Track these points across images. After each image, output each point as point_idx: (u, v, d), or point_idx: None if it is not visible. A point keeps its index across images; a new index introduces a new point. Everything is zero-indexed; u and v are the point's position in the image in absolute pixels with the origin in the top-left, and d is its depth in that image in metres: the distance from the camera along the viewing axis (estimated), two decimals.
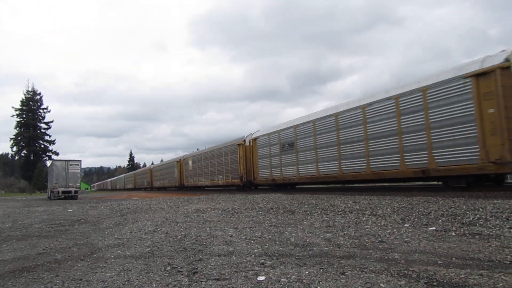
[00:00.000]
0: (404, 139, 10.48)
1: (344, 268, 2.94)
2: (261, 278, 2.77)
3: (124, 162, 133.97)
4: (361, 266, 3.00)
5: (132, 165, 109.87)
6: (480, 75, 8.58)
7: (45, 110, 62.24)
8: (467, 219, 4.94)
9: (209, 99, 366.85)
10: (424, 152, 9.90)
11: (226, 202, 10.21)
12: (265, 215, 6.95)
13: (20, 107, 60.11)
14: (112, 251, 4.15)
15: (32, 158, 60.56)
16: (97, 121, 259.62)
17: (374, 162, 11.55)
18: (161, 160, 74.79)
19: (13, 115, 59.69)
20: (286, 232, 4.81)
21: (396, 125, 10.74)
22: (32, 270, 3.47)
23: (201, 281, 2.77)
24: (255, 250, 3.79)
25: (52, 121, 63.27)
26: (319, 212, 6.81)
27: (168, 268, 3.22)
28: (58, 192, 22.55)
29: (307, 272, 2.87)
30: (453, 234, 4.25)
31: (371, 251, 3.56)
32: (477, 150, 8.63)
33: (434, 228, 4.64)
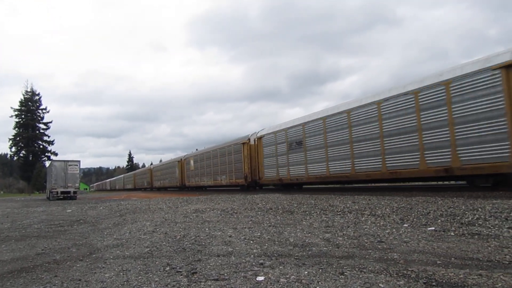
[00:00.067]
0: (424, 136, 9.90)
1: (343, 268, 2.94)
2: (260, 278, 2.77)
3: (123, 163, 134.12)
4: (360, 266, 3.00)
5: (131, 165, 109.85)
6: (510, 66, 8.07)
7: (44, 111, 62.32)
8: (466, 219, 4.94)
9: (208, 100, 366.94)
10: (447, 150, 9.31)
11: (225, 203, 10.20)
12: (264, 215, 6.95)
13: (19, 108, 60.13)
14: (111, 252, 4.14)
15: (31, 158, 60.53)
16: (96, 121, 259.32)
17: (391, 160, 10.97)
18: (160, 161, 74.82)
19: (11, 116, 59.77)
20: (285, 232, 4.81)
21: (415, 121, 10.16)
22: (31, 270, 3.46)
23: (200, 282, 2.77)
24: (254, 251, 3.79)
25: (51, 122, 63.36)
26: (318, 212, 6.81)
27: (167, 268, 3.22)
28: (57, 192, 22.51)
29: (306, 272, 2.87)
30: (452, 234, 4.26)
31: (370, 251, 3.56)
32: (508, 146, 8.10)
33: (433, 228, 4.65)
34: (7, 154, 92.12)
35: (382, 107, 11.34)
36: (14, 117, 59.81)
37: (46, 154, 61.67)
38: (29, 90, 61.04)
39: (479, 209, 5.52)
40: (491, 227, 4.42)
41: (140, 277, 2.99)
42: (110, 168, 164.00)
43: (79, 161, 24.16)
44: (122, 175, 70.41)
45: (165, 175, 36.95)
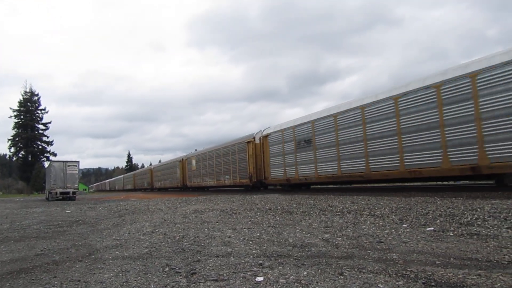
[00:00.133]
0: (447, 132, 9.36)
1: (342, 269, 2.94)
2: (259, 278, 2.77)
3: (123, 163, 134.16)
4: (359, 266, 3.00)
5: (131, 166, 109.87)
6: None
7: (43, 111, 62.37)
8: (465, 219, 4.95)
9: (208, 100, 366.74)
10: (473, 147, 8.75)
11: (224, 203, 10.20)
12: (263, 215, 6.96)
13: (18, 108, 60.16)
14: (110, 252, 4.14)
15: (30, 159, 60.54)
16: (96, 121, 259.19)
17: (410, 158, 10.42)
18: (159, 161, 74.72)
19: (10, 116, 59.76)
20: (284, 233, 4.81)
21: (437, 116, 9.63)
22: (30, 271, 3.46)
23: (200, 282, 2.77)
24: (253, 251, 3.79)
25: (50, 122, 63.43)
26: (317, 213, 6.81)
27: (166, 269, 3.22)
28: (56, 193, 22.49)
29: (305, 273, 2.87)
30: (451, 234, 4.26)
31: (369, 251, 3.57)
32: None
33: (432, 228, 4.65)
34: (6, 154, 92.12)
35: (399, 103, 10.79)
36: (13, 117, 59.88)
37: (45, 154, 61.75)
38: (28, 90, 61.15)
39: (478, 209, 5.53)
40: (490, 227, 4.43)
41: (139, 277, 2.99)
42: (109, 168, 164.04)
43: (78, 162, 24.15)
44: (122, 176, 70.21)
45: (165, 175, 36.44)
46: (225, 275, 2.93)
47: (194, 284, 2.73)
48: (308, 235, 4.61)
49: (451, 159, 9.31)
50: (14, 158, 64.06)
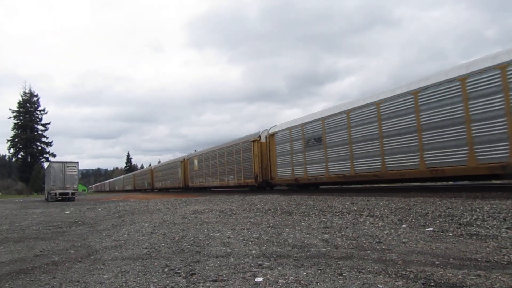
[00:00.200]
0: (474, 128, 8.84)
1: (341, 269, 2.94)
2: (258, 279, 2.77)
3: (122, 164, 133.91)
4: (358, 267, 3.00)
5: (130, 166, 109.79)
6: None
7: (42, 112, 62.32)
8: (465, 220, 4.96)
9: (206, 100, 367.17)
10: (504, 144, 8.22)
11: (223, 204, 10.20)
12: (262, 216, 6.95)
13: (17, 109, 60.12)
14: (109, 253, 4.14)
15: (29, 160, 60.48)
16: (95, 122, 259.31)
17: (431, 156, 9.87)
18: (159, 162, 74.57)
19: (10, 117, 59.70)
20: (284, 233, 4.81)
21: (462, 111, 9.09)
22: (29, 272, 3.45)
23: (199, 283, 2.77)
24: (253, 251, 3.79)
25: (49, 123, 63.35)
26: (316, 213, 6.81)
27: (166, 269, 3.21)
28: (56, 194, 22.47)
29: (305, 273, 2.87)
30: (450, 234, 4.26)
31: (368, 252, 3.57)
32: None
33: (432, 228, 4.66)
34: (5, 155, 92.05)
35: (419, 97, 10.26)
36: (13, 118, 59.80)
37: (45, 155, 61.66)
38: (27, 91, 61.12)
39: (477, 210, 5.53)
40: (490, 228, 4.43)
41: (138, 278, 2.99)
42: (109, 169, 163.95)
43: (77, 163, 24.13)
44: (122, 176, 70.05)
45: (166, 175, 35.86)
46: (224, 275, 2.93)
47: (193, 285, 2.72)
48: (308, 235, 4.61)
49: (478, 157, 8.79)
50: (14, 159, 64.03)
